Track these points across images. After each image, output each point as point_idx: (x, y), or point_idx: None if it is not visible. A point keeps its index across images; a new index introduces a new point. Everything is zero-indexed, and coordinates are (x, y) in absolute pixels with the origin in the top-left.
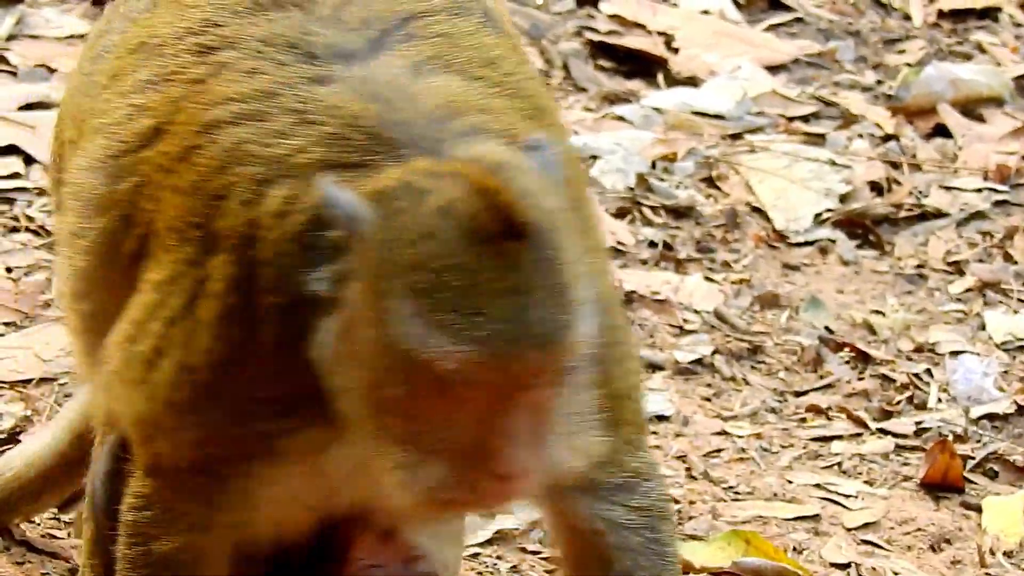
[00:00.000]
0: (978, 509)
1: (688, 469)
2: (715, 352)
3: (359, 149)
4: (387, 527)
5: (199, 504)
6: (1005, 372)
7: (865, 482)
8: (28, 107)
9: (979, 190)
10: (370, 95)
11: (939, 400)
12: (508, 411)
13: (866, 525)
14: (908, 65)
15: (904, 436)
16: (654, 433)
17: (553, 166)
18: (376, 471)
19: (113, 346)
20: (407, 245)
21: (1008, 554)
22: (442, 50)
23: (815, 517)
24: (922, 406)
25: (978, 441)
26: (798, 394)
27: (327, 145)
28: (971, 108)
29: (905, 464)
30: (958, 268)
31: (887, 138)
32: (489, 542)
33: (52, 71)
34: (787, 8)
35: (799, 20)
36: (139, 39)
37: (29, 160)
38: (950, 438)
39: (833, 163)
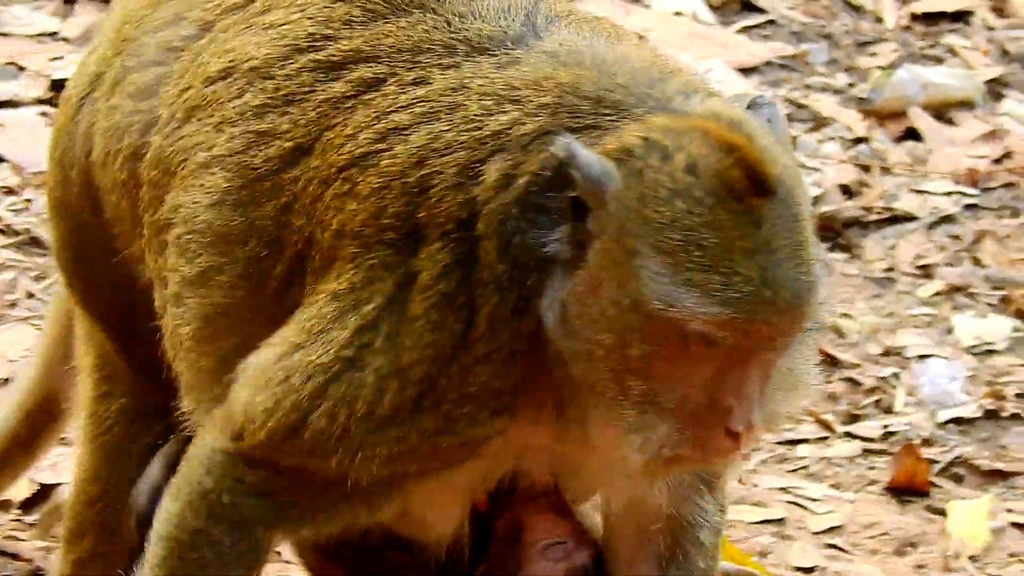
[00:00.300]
0: (943, 513)
1: None
2: None
3: (586, 113)
4: (559, 503)
5: (342, 502)
6: (972, 376)
7: (831, 486)
8: None
9: (949, 193)
10: (575, 64)
11: (906, 404)
12: (744, 369)
13: (832, 529)
14: (880, 68)
15: (871, 440)
16: None
17: (779, 123)
18: (605, 437)
19: (267, 365)
20: (656, 203)
21: (973, 558)
22: (584, 25)
23: (781, 521)
24: (889, 410)
25: (944, 445)
26: None
27: (549, 114)
28: (942, 111)
29: (871, 468)
30: (927, 272)
31: (857, 141)
32: None
33: (21, 69)
34: (760, 10)
35: (772, 22)
36: (220, 66)
37: None
38: (916, 442)
39: (803, 166)
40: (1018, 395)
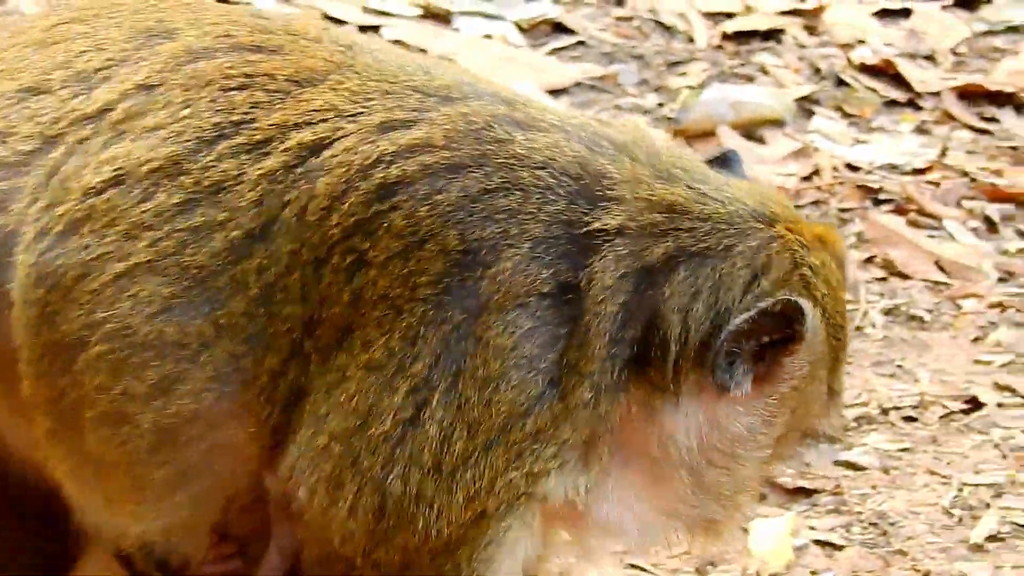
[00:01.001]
0: (745, 531)
1: None
2: None
3: (699, 233)
4: None
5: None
6: None
7: None
8: None
9: None
10: (630, 151)
11: None
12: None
13: None
14: (689, 88)
15: None
16: None
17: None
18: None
19: (332, 466)
20: (838, 329)
21: None
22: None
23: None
24: None
25: None
26: None
27: (659, 233)
28: (751, 130)
29: None
30: None
31: None
32: None
33: None
34: (571, 32)
35: (582, 43)
36: (104, 176)
37: None
38: None
39: None
40: None
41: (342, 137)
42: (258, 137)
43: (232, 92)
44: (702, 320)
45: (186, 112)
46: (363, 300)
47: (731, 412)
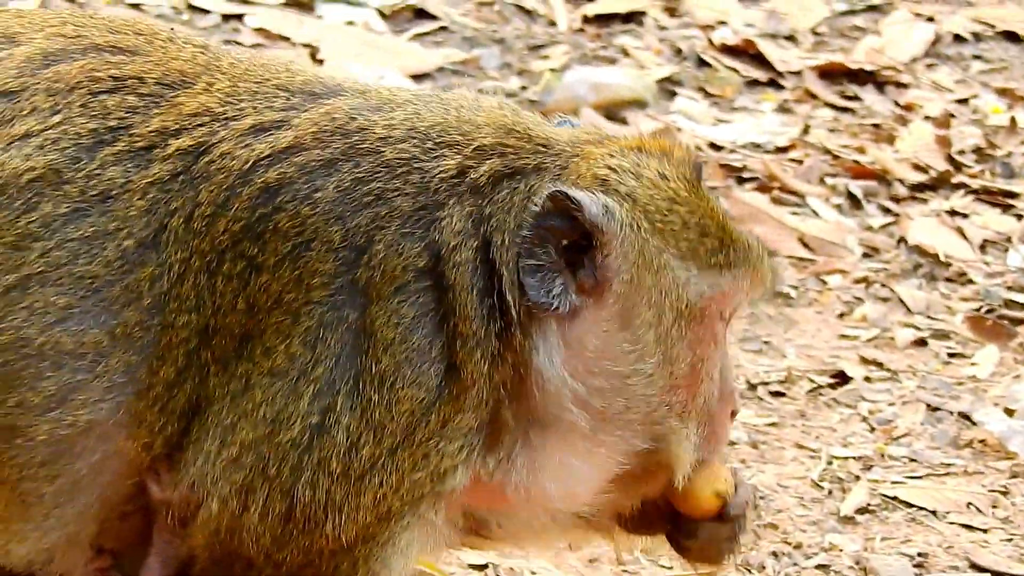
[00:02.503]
0: None
1: None
2: None
3: (529, 154)
4: None
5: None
6: None
7: None
8: None
9: None
10: (465, 108)
11: None
12: (726, 347)
13: None
14: (552, 71)
15: None
16: None
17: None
18: (643, 451)
19: (238, 473)
20: (661, 215)
21: (645, 551)
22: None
23: None
24: None
25: None
26: None
27: (498, 156)
28: (614, 111)
29: None
30: None
31: None
32: None
33: None
34: (432, 17)
35: (444, 28)
36: None
37: None
38: None
39: None
40: None
41: (218, 142)
42: (140, 144)
43: (103, 96)
44: (511, 244)
45: (57, 118)
46: (258, 306)
47: (583, 331)
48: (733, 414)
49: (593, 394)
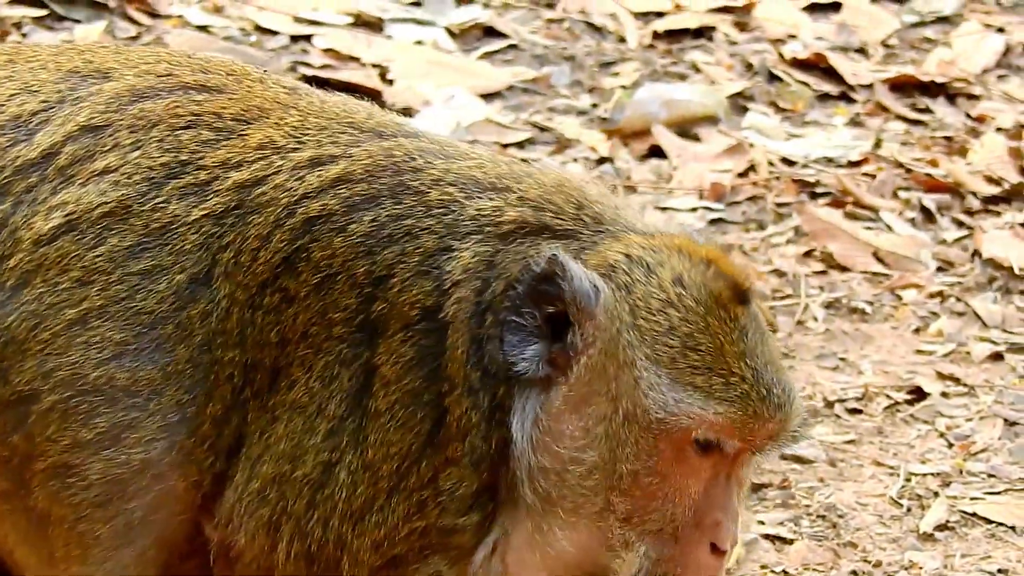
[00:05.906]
0: None
1: None
2: None
3: (568, 217)
4: None
5: None
6: None
7: None
8: None
9: (694, 209)
10: (527, 170)
11: None
12: (728, 481)
13: None
14: (623, 88)
15: None
16: None
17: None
18: (587, 551)
19: (265, 511)
20: (649, 313)
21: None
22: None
23: None
24: None
25: None
26: None
27: (532, 208)
28: (685, 128)
29: None
30: None
31: (601, 161)
32: None
33: None
34: (502, 36)
35: (514, 47)
36: (55, 223)
37: None
38: None
39: None
40: None
41: (273, 174)
42: (203, 176)
43: (180, 131)
44: (506, 296)
45: (136, 154)
46: (288, 339)
47: (549, 404)
48: (718, 550)
49: (542, 474)
